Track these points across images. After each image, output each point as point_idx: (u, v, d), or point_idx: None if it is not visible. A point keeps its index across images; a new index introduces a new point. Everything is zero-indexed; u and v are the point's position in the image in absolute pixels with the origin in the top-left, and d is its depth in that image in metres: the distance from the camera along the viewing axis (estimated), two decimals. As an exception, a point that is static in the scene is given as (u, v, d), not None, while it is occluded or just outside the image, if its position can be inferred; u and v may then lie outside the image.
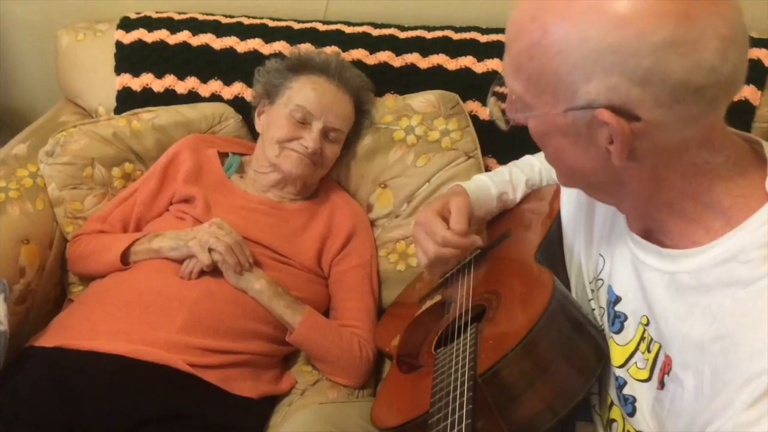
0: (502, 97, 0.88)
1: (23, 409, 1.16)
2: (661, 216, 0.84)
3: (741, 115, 1.56)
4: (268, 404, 1.36)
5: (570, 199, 1.12)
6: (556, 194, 1.19)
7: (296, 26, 1.75)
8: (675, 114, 0.73)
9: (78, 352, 1.25)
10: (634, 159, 0.78)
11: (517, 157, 1.45)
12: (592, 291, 1.04)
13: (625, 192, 0.85)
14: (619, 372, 0.93)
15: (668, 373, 0.82)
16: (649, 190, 0.82)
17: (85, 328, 1.30)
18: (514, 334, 0.92)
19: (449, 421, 0.85)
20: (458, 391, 0.89)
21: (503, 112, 0.88)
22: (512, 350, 0.90)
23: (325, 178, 1.63)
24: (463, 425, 0.82)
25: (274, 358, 1.42)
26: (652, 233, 0.88)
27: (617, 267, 0.95)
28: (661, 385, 0.84)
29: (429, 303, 1.30)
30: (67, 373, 1.22)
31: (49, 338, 1.30)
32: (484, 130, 1.65)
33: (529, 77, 0.78)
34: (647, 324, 0.88)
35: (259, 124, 1.60)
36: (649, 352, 0.87)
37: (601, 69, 0.72)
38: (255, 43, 1.71)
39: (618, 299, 0.95)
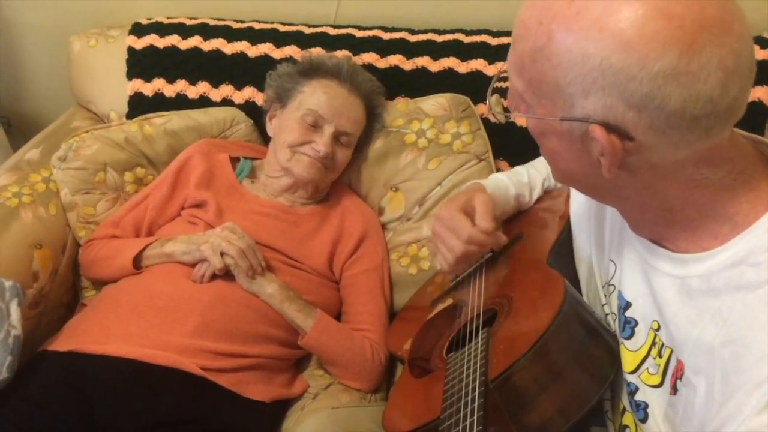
0: (503, 93, 0.88)
1: (37, 413, 1.17)
2: (663, 222, 0.84)
3: (754, 116, 1.55)
4: (281, 408, 1.36)
5: (580, 204, 1.12)
6: (568, 198, 1.19)
7: (307, 30, 1.75)
8: (668, 138, 0.72)
9: (91, 356, 1.25)
10: (627, 170, 0.78)
11: (528, 159, 1.44)
12: (605, 296, 1.03)
13: (622, 197, 0.85)
14: (630, 378, 0.92)
15: (681, 378, 0.82)
16: (647, 198, 0.82)
17: (98, 332, 1.30)
18: (525, 338, 0.92)
19: (460, 427, 0.85)
20: (469, 397, 0.89)
21: (504, 108, 0.88)
22: (524, 355, 0.89)
23: (337, 181, 1.63)
24: (475, 431, 0.82)
25: (286, 362, 1.42)
26: (659, 240, 0.87)
27: (627, 272, 0.95)
28: (674, 390, 0.83)
29: (440, 306, 1.30)
30: (80, 377, 1.22)
31: (62, 342, 1.30)
32: (496, 133, 1.65)
33: (531, 79, 0.78)
34: (658, 329, 0.87)
35: (271, 128, 1.61)
36: (660, 357, 0.87)
37: (599, 87, 0.71)
38: (266, 48, 1.71)
39: (628, 305, 0.94)
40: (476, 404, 0.86)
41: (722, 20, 0.69)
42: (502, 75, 0.87)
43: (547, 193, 1.37)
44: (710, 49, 0.68)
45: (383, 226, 1.65)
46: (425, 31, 1.74)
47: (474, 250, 1.21)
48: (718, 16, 0.69)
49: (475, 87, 1.66)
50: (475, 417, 0.84)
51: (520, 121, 1.63)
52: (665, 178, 0.78)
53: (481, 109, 1.66)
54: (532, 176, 1.37)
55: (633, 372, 0.92)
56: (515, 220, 1.38)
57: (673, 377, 0.84)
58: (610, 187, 0.83)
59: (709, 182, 0.77)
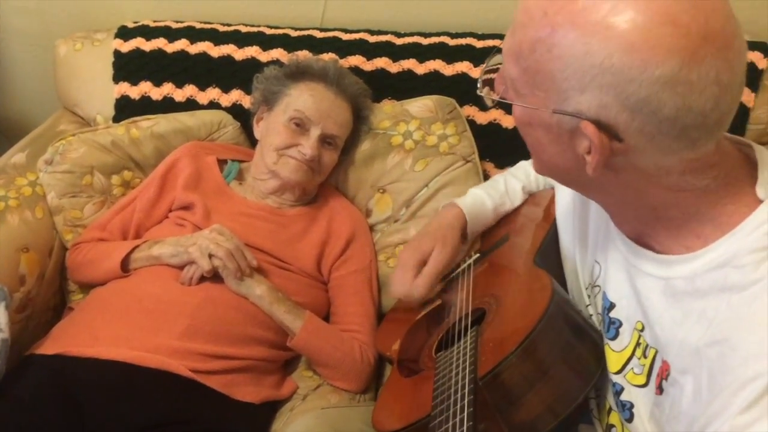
0: (492, 86, 0.88)
1: (25, 417, 1.16)
2: (647, 220, 0.85)
3: (735, 117, 1.55)
4: (270, 409, 1.36)
5: (565, 205, 1.13)
6: (553, 199, 1.20)
7: (293, 33, 1.76)
8: (656, 144, 0.73)
9: (79, 359, 1.25)
10: (612, 170, 0.78)
11: (514, 160, 1.46)
12: (589, 297, 1.04)
13: (605, 193, 0.86)
14: (615, 378, 0.93)
15: (666, 379, 0.82)
16: (630, 197, 0.83)
17: (86, 335, 1.30)
18: (513, 336, 0.93)
19: (450, 423, 0.85)
20: (459, 394, 0.89)
21: (493, 88, 0.88)
22: (512, 353, 0.90)
23: (324, 183, 1.63)
24: (465, 428, 0.83)
25: (275, 364, 1.42)
26: (642, 238, 0.88)
27: (611, 273, 0.96)
28: (660, 390, 0.84)
29: (429, 307, 1.30)
30: (69, 380, 1.22)
31: (50, 346, 1.30)
32: (482, 135, 1.66)
33: (527, 68, 0.77)
34: (642, 330, 0.88)
35: (258, 130, 1.61)
36: (645, 357, 0.88)
37: (597, 85, 0.72)
38: (252, 51, 1.71)
39: (612, 305, 0.95)
40: (466, 401, 0.87)
41: (725, 34, 0.70)
42: (490, 66, 0.87)
43: (531, 196, 1.38)
44: (710, 62, 0.69)
45: (371, 228, 1.65)
46: (411, 34, 1.75)
47: (407, 300, 1.30)
48: (722, 30, 0.70)
49: (461, 89, 1.66)
50: (465, 413, 0.84)
51: (507, 122, 1.65)
52: (649, 181, 0.79)
53: (467, 110, 1.68)
54: (510, 184, 1.38)
55: (618, 372, 0.93)
56: (501, 222, 1.39)
57: (659, 377, 0.84)
58: (592, 184, 0.84)
59: (693, 188, 0.78)
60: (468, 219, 1.33)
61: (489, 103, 0.89)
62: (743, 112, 1.59)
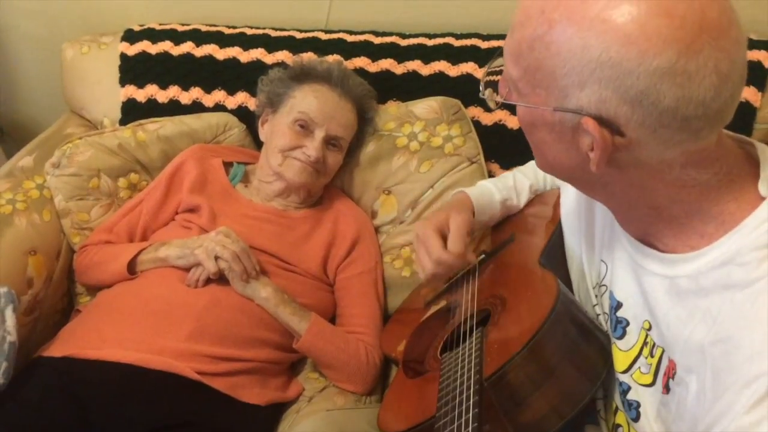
0: (495, 88, 0.88)
1: (33, 418, 1.17)
2: (650, 220, 0.85)
3: (742, 116, 1.56)
4: (276, 411, 1.36)
5: (570, 205, 1.13)
6: (558, 201, 1.20)
7: (298, 36, 1.76)
8: (658, 136, 0.73)
9: (86, 361, 1.25)
10: (615, 167, 0.78)
11: (519, 161, 1.46)
12: (596, 297, 1.04)
13: (609, 192, 0.85)
14: (622, 377, 0.93)
15: (673, 378, 0.82)
16: (633, 195, 0.83)
17: (93, 337, 1.30)
18: (519, 337, 0.92)
19: (455, 425, 0.85)
20: (464, 395, 0.89)
21: (495, 90, 0.88)
22: (518, 354, 0.90)
23: (329, 185, 1.63)
24: (470, 429, 0.82)
25: (281, 366, 1.42)
26: (647, 238, 0.88)
27: (618, 273, 0.96)
28: (666, 389, 0.84)
29: (434, 308, 1.31)
30: (76, 382, 1.22)
31: (58, 348, 1.30)
32: (487, 136, 1.66)
33: (527, 67, 0.78)
34: (650, 329, 0.88)
35: (263, 132, 1.61)
36: (652, 356, 0.88)
37: (596, 80, 0.72)
38: (258, 53, 1.72)
39: (619, 305, 0.95)
40: (471, 402, 0.87)
41: (721, 24, 0.70)
42: (492, 69, 0.87)
43: (537, 196, 1.38)
44: (708, 52, 0.69)
45: (376, 229, 1.65)
46: (416, 35, 1.75)
47: (442, 270, 1.23)
48: (718, 19, 0.70)
49: (466, 90, 1.66)
50: (470, 415, 0.84)
51: (512, 123, 1.65)
52: (652, 176, 0.79)
53: (472, 111, 1.67)
54: (519, 180, 1.38)
55: (625, 371, 0.93)
56: (506, 223, 1.39)
57: (665, 376, 0.84)
58: (597, 183, 0.84)
59: (695, 182, 0.78)
60: (475, 207, 1.32)
61: (492, 105, 0.90)
62: (750, 112, 1.58)
